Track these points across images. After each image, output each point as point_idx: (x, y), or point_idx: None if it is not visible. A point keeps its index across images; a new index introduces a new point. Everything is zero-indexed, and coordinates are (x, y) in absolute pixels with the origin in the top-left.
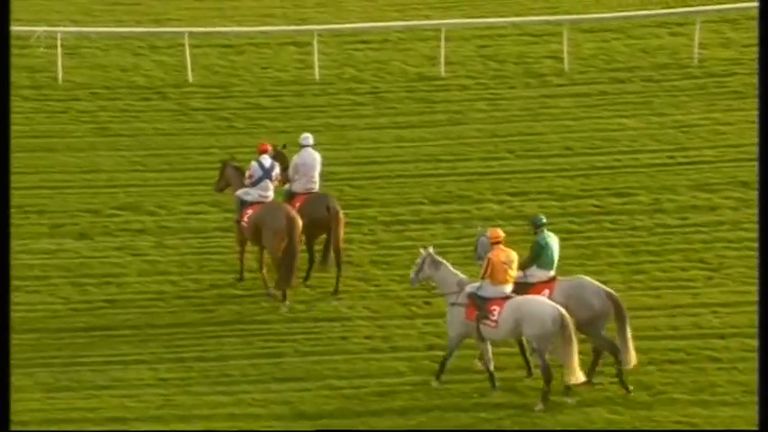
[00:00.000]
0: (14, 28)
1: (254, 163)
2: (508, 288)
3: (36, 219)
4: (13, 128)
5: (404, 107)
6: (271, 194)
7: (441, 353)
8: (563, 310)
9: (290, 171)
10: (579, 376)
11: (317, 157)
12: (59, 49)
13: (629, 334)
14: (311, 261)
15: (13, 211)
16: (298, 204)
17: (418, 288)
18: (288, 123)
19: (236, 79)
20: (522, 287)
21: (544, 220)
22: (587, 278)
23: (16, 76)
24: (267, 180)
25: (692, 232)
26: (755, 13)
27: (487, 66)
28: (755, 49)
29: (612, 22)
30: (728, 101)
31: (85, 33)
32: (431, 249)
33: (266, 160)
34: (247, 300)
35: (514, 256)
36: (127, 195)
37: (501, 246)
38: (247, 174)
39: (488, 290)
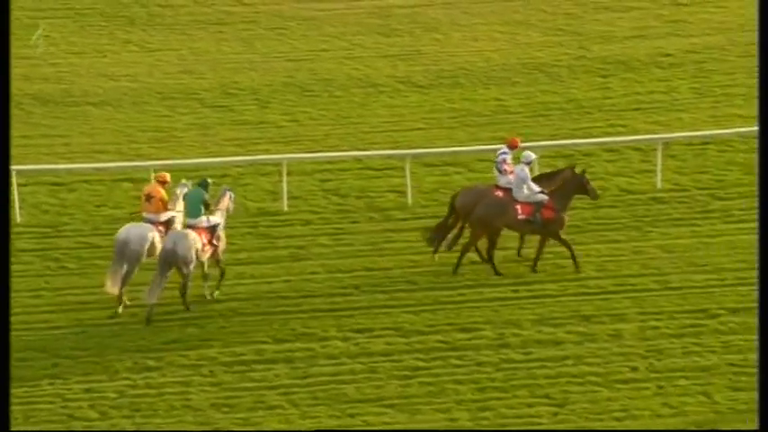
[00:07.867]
0: None
1: None
2: (150, 215)
3: None
4: None
5: (245, 243)
6: (498, 180)
7: None
8: (126, 237)
9: None
10: (110, 288)
11: (522, 175)
12: None
13: (160, 281)
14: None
15: None
16: None
17: None
18: None
19: (67, 218)
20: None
21: (208, 182)
22: (180, 232)
23: None
24: (495, 168)
25: (537, 367)
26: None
27: (330, 200)
28: None
29: (453, 156)
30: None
31: None
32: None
33: (502, 154)
34: None
35: (156, 193)
36: None
37: (156, 184)
38: None
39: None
